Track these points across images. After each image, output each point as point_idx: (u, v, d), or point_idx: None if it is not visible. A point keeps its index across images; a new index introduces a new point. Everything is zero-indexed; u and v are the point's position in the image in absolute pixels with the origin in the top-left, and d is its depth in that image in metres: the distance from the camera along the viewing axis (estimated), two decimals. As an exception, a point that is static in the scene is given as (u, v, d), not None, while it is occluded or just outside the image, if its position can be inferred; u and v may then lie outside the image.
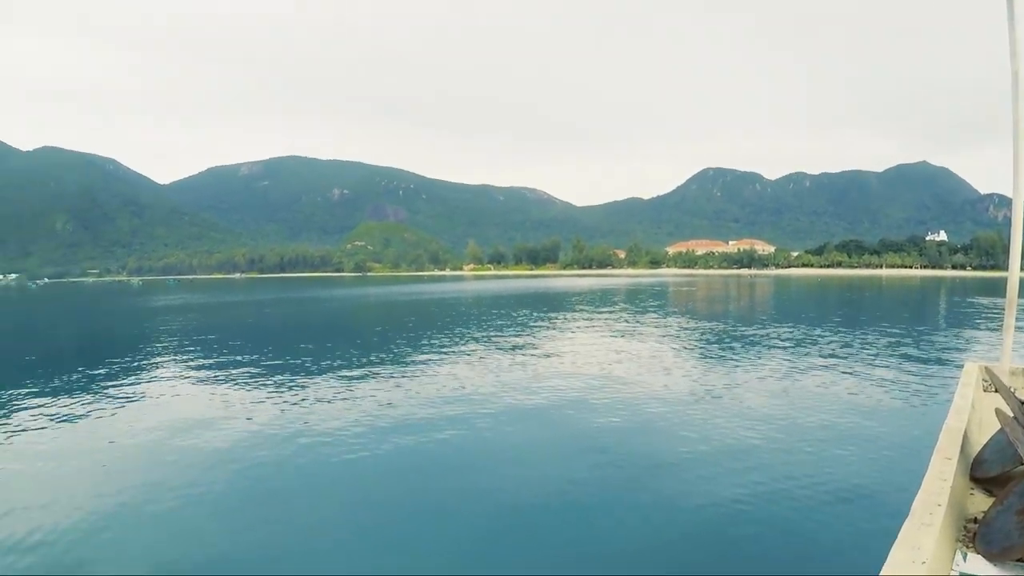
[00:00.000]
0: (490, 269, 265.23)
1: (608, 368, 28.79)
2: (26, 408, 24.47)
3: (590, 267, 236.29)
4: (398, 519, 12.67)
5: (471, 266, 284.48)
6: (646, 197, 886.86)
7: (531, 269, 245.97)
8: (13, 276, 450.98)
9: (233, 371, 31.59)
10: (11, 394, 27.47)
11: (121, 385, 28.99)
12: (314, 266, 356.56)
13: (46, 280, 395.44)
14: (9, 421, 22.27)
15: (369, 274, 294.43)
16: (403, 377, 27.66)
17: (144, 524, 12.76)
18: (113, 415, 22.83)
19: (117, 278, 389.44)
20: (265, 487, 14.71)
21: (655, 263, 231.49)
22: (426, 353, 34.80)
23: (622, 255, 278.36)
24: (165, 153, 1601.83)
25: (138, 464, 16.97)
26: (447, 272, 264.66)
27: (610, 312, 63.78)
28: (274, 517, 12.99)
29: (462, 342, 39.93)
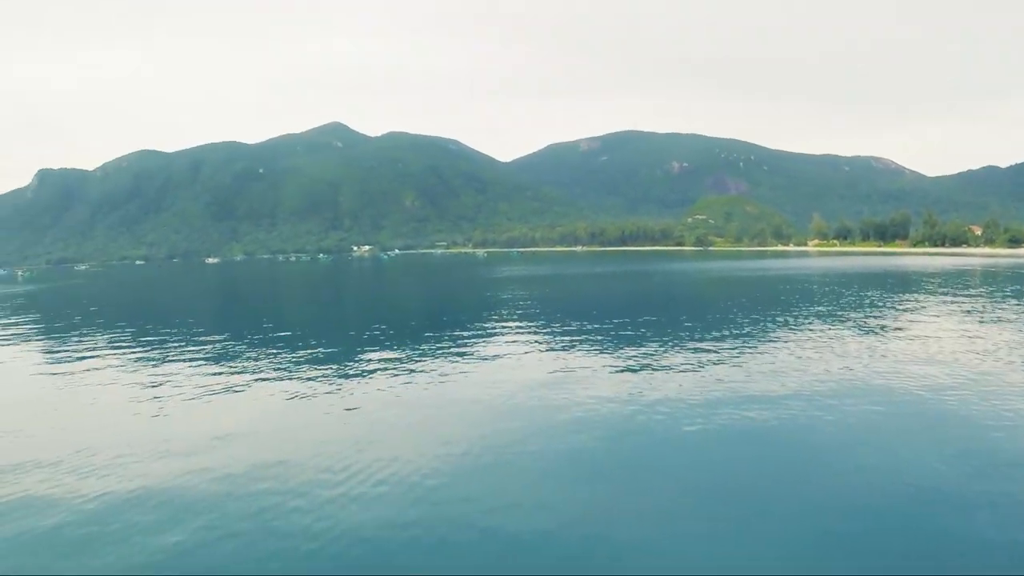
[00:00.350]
0: (836, 245, 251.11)
1: (962, 360, 25.63)
2: (382, 359, 28.65)
3: (942, 244, 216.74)
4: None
5: (815, 241, 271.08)
6: (1003, 165, 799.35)
7: (879, 245, 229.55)
8: (367, 248, 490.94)
9: (572, 337, 33.36)
10: (377, 347, 32.17)
11: (469, 344, 32.27)
12: (654, 239, 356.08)
13: (396, 252, 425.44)
14: (376, 368, 26.54)
15: (711, 248, 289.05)
16: (746, 353, 27.38)
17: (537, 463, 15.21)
18: (465, 373, 25.11)
19: (463, 250, 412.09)
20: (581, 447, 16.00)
21: (1015, 242, 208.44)
22: (770, 330, 33.93)
23: (978, 231, 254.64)
24: (505, 133, 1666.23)
25: (485, 417, 18.95)
26: (790, 247, 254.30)
27: (966, 296, 56.53)
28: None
29: (808, 321, 38.21)
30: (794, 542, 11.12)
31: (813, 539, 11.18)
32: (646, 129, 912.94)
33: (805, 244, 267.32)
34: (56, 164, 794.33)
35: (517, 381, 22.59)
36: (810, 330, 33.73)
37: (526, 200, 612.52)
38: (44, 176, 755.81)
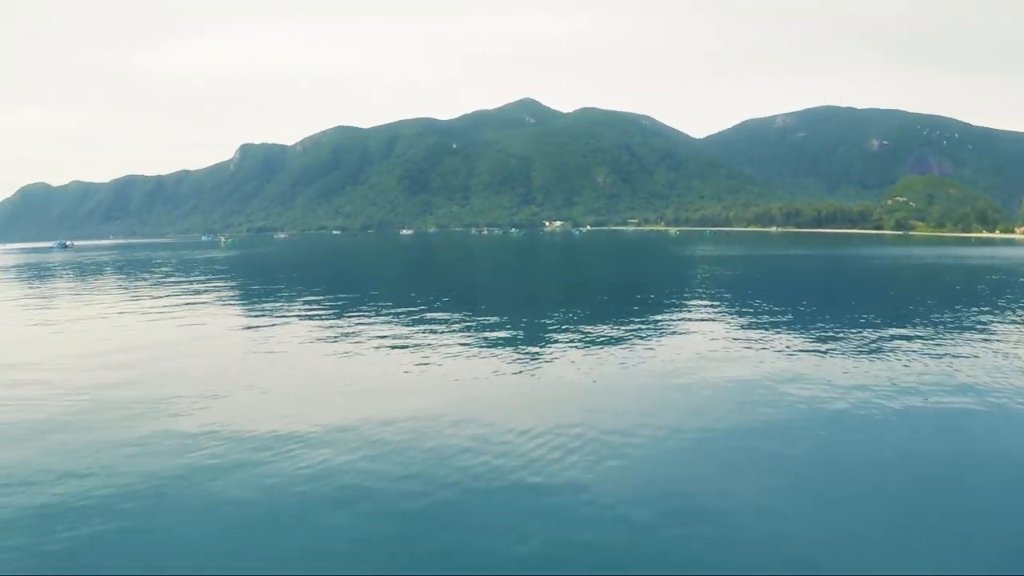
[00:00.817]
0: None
1: None
2: (574, 333, 29.92)
3: None
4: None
5: (1023, 229, 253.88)
6: None
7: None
8: (559, 223, 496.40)
9: (758, 320, 34.06)
10: (567, 322, 33.56)
11: (659, 322, 33.17)
12: (852, 222, 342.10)
13: (588, 228, 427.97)
14: (568, 341, 27.88)
15: (911, 233, 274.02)
16: (938, 352, 25.64)
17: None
18: (652, 349, 26.22)
19: (655, 227, 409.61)
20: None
21: None
22: (968, 331, 30.83)
23: None
24: (698, 108, 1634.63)
25: (676, 396, 19.62)
26: (996, 235, 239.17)
27: None
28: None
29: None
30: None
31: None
32: (844, 104, 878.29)
33: (1012, 231, 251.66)
34: (257, 139, 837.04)
35: (715, 368, 22.77)
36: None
37: (720, 178, 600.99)
38: (246, 150, 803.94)
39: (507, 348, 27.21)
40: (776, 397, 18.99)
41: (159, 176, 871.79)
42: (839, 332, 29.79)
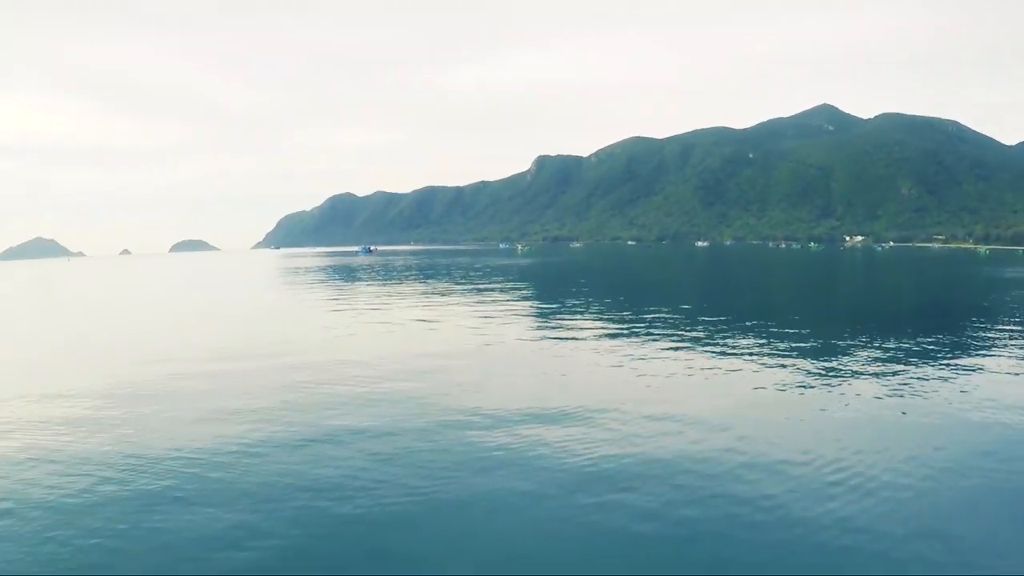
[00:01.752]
0: None
1: None
2: (867, 359, 29.05)
3: None
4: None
5: None
6: None
7: None
8: (860, 238, 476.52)
9: None
10: (862, 346, 32.49)
11: (961, 357, 29.51)
12: None
13: (891, 244, 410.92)
14: (859, 369, 27.14)
15: None
16: None
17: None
18: (946, 386, 23.76)
19: (963, 245, 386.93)
20: None
21: None
22: None
23: None
24: (1010, 109, 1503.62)
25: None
26: None
27: None
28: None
29: None
30: None
31: None
32: None
33: None
34: (552, 151, 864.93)
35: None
36: None
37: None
38: (542, 162, 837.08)
39: (790, 368, 27.31)
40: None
41: (458, 187, 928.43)
42: None
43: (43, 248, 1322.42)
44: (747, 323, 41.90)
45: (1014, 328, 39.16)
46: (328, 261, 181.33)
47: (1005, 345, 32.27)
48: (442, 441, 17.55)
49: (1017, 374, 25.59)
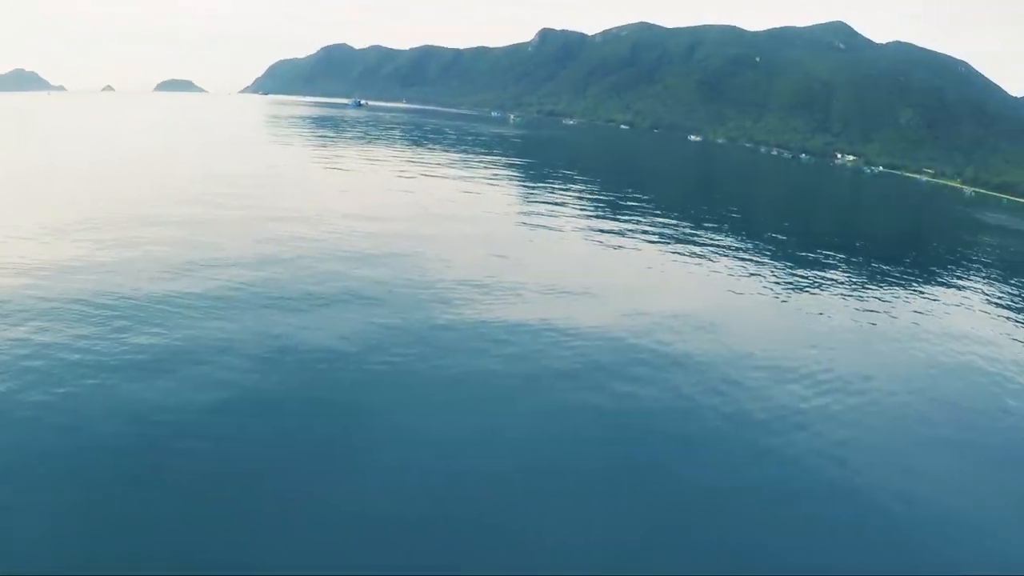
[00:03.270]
0: None
1: None
2: (845, 284, 29.78)
3: None
4: None
5: None
6: None
7: None
8: (851, 158, 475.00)
9: None
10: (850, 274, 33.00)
11: (931, 286, 31.94)
12: None
13: (881, 168, 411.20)
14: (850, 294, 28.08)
15: None
16: None
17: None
18: (904, 315, 25.72)
19: (951, 183, 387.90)
20: None
21: None
22: None
23: None
24: (1017, 62, 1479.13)
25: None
26: None
27: None
28: None
29: None
30: None
31: None
32: None
33: None
34: (557, 25, 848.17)
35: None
36: None
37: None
38: (546, 35, 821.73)
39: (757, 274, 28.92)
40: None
41: (457, 49, 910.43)
42: None
43: (24, 79, 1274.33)
44: (726, 224, 44.58)
45: (980, 270, 42.18)
46: (315, 111, 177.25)
47: (970, 286, 35.05)
48: (401, 313, 18.39)
49: (969, 308, 28.92)
